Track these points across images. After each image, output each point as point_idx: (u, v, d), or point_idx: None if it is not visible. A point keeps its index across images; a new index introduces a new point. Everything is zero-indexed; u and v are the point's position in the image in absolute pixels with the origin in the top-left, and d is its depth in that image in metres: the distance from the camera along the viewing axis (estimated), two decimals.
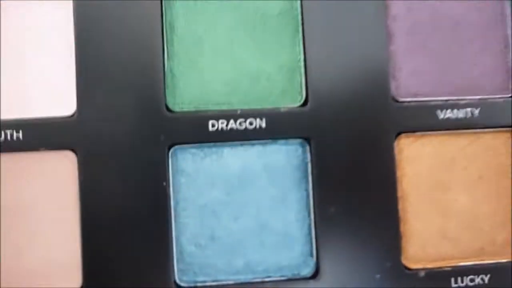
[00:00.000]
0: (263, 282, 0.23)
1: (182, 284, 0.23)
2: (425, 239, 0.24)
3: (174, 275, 0.22)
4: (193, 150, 0.23)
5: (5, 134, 0.22)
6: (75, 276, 0.22)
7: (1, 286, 0.22)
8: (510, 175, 0.24)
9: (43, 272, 0.22)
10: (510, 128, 0.24)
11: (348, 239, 0.23)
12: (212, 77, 0.23)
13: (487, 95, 0.24)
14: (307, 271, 0.23)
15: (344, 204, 0.23)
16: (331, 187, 0.23)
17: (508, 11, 0.25)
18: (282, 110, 0.23)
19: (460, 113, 0.24)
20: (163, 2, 0.23)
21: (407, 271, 0.23)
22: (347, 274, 0.23)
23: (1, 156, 0.22)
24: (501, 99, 0.24)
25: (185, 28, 0.23)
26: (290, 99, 0.24)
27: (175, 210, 0.23)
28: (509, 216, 0.24)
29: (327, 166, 0.23)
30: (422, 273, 0.23)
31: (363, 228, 0.23)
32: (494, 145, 0.24)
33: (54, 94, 0.23)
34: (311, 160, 0.23)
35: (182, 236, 0.23)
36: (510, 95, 0.25)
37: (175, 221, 0.23)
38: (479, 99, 0.24)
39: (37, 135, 0.22)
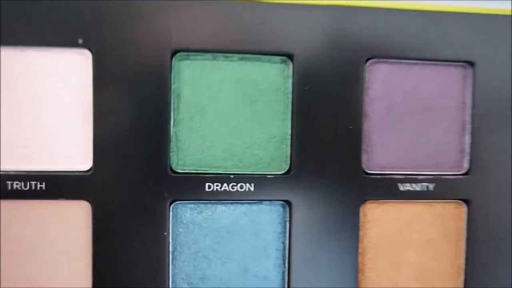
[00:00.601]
0: None
1: None
2: None
3: None
4: (191, 206, 0.27)
5: (30, 185, 0.26)
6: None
7: None
8: (454, 238, 0.29)
9: None
10: (458, 200, 0.29)
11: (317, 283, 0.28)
12: (212, 143, 0.27)
13: (442, 171, 0.29)
14: None
15: (315, 257, 0.28)
16: (305, 242, 0.28)
17: (469, 100, 0.29)
18: (268, 176, 0.27)
19: (417, 187, 0.28)
20: (172, 71, 0.27)
21: None
22: None
23: (27, 203, 0.26)
24: (454, 176, 0.29)
25: (190, 97, 0.27)
26: (276, 167, 0.28)
27: (173, 254, 0.27)
28: (452, 272, 0.29)
29: (303, 224, 0.28)
30: None
31: (325, 277, 0.28)
32: (443, 213, 0.29)
33: (73, 149, 0.26)
34: (290, 220, 0.28)
35: (177, 276, 0.27)
36: (461, 172, 0.29)
37: (172, 263, 0.27)
38: (435, 175, 0.29)
39: (58, 186, 0.26)
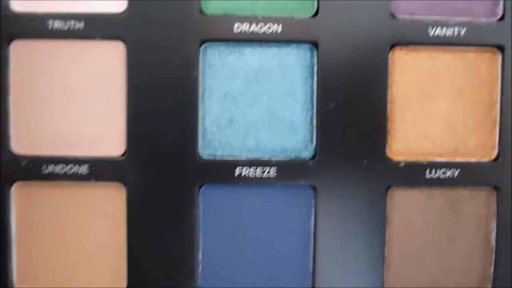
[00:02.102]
0: (270, 160, 0.28)
1: (204, 157, 0.28)
2: (408, 137, 0.28)
3: (197, 149, 0.28)
4: (220, 48, 0.28)
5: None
6: (120, 144, 0.28)
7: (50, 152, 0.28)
8: (487, 90, 0.29)
9: (91, 140, 0.28)
10: (492, 48, 0.28)
11: (343, 129, 0.28)
12: None
13: (474, 17, 0.28)
14: (307, 154, 0.28)
15: (342, 101, 0.28)
16: (332, 86, 0.28)
17: None
18: (296, 18, 0.28)
19: (448, 31, 0.28)
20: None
21: (389, 162, 0.28)
22: (339, 158, 0.28)
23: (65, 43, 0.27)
24: (487, 22, 0.28)
25: None
26: (304, 10, 0.28)
27: (202, 96, 0.28)
28: (481, 125, 0.29)
29: (331, 68, 0.28)
30: (402, 164, 0.28)
31: (356, 122, 0.28)
32: (476, 62, 0.28)
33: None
34: (317, 62, 0.28)
35: (206, 118, 0.28)
36: (496, 18, 0.28)
37: (202, 104, 0.28)
38: (467, 20, 0.28)
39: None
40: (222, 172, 0.28)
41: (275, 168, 0.28)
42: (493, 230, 0.29)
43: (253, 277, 0.29)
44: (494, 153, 0.29)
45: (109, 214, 0.28)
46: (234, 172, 0.28)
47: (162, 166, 0.27)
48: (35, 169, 0.27)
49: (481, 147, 0.29)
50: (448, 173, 0.28)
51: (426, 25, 0.28)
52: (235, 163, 0.28)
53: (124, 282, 0.28)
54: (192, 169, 0.28)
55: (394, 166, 0.28)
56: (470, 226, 0.29)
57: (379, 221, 0.28)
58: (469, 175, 0.28)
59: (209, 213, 0.28)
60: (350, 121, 0.28)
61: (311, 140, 0.28)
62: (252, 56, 0.28)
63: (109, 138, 0.28)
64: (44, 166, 0.27)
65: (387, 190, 0.28)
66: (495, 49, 0.28)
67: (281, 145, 0.28)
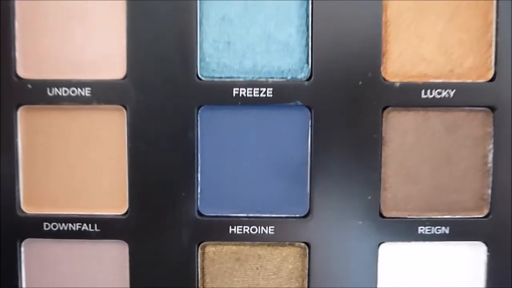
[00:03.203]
0: (267, 81, 0.29)
1: (203, 78, 0.29)
2: (404, 59, 0.29)
3: (196, 72, 0.28)
4: None
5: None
6: (122, 67, 0.29)
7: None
8: (483, 10, 0.29)
9: (95, 63, 0.29)
10: None
11: (338, 51, 0.28)
12: None
13: None
14: (303, 75, 0.29)
15: (336, 23, 0.28)
16: (327, 8, 0.28)
17: None
18: None
19: None
20: None
21: (385, 82, 0.28)
22: (335, 79, 0.28)
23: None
24: None
25: None
26: None
27: (200, 20, 0.28)
28: (477, 45, 0.29)
29: None
30: (397, 84, 0.28)
31: (351, 44, 0.28)
32: None
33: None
34: None
35: (205, 41, 0.28)
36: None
37: (200, 28, 0.28)
38: None
39: None
40: (220, 93, 0.28)
41: (271, 89, 0.28)
42: (490, 151, 0.29)
43: (251, 200, 0.29)
44: (490, 74, 0.29)
45: (111, 137, 0.29)
46: (232, 93, 0.28)
47: (162, 89, 0.28)
48: (40, 92, 0.29)
49: (477, 68, 0.29)
50: (444, 94, 0.29)
51: None
52: (233, 84, 0.28)
53: (125, 205, 0.29)
54: (191, 90, 0.28)
55: (389, 86, 0.28)
56: (466, 147, 0.29)
57: (375, 142, 0.29)
58: (465, 95, 0.29)
59: (208, 134, 0.29)
60: (345, 42, 0.28)
61: (307, 62, 0.29)
62: None
63: (111, 61, 0.28)
64: (48, 89, 0.28)
65: (382, 111, 0.29)
66: None
67: (278, 66, 0.28)
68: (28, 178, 0.29)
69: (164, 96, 0.28)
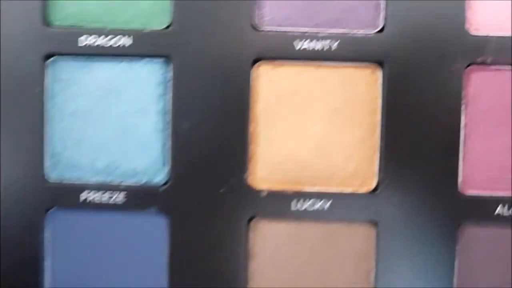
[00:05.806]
0: (119, 185, 0.26)
1: (50, 180, 0.26)
2: (275, 163, 0.25)
3: (44, 171, 0.26)
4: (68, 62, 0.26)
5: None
6: None
7: None
8: (368, 109, 0.25)
9: None
10: (371, 64, 0.25)
11: (198, 153, 0.25)
12: None
13: (349, 29, 0.25)
14: (159, 179, 0.26)
15: (198, 122, 0.25)
16: (187, 104, 0.25)
17: None
18: (147, 31, 0.25)
19: (318, 45, 0.25)
20: None
21: (250, 190, 0.25)
22: (196, 183, 0.25)
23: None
24: (363, 35, 0.25)
25: None
26: (156, 22, 0.25)
27: (48, 114, 0.26)
28: (361, 149, 0.25)
29: (186, 85, 0.25)
30: (264, 193, 0.25)
31: (213, 145, 0.25)
32: (353, 79, 0.25)
33: None
34: (172, 79, 0.25)
35: (54, 137, 0.26)
36: (373, 32, 0.25)
37: (48, 124, 0.26)
38: (341, 32, 0.25)
39: None
40: (68, 196, 0.26)
41: (125, 193, 0.26)
42: (372, 269, 0.25)
43: None
44: (373, 183, 0.25)
45: None
46: (80, 197, 0.26)
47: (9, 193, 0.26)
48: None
49: (359, 176, 0.25)
50: (318, 205, 0.25)
51: (292, 38, 0.25)
52: (82, 187, 0.26)
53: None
54: (39, 192, 0.26)
55: (255, 195, 0.25)
56: (347, 263, 0.26)
57: (241, 255, 0.26)
58: (342, 207, 0.25)
59: (58, 238, 0.26)
60: (207, 144, 0.25)
61: (164, 164, 0.26)
62: (102, 70, 0.26)
63: None
64: None
65: (248, 221, 0.25)
66: (375, 65, 0.25)
67: (133, 168, 0.26)
68: None
69: (11, 199, 0.26)
